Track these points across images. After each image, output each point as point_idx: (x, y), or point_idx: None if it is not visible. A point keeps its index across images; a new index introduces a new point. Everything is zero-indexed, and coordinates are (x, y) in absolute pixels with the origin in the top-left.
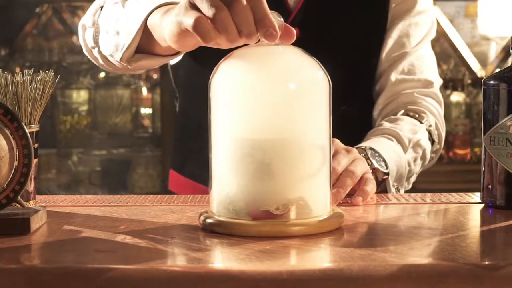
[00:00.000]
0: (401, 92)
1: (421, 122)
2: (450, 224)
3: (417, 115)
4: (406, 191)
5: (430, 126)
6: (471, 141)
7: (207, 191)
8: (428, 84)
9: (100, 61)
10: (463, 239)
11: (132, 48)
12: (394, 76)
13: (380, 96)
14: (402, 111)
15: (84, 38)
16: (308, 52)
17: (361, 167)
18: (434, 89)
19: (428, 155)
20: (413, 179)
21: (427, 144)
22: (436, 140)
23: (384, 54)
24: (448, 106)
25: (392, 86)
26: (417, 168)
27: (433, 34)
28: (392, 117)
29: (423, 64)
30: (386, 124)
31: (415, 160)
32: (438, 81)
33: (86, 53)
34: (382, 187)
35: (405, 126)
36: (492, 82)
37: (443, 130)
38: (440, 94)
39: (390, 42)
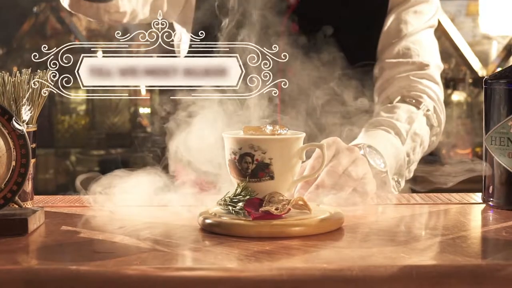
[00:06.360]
0: (396, 76)
1: (418, 108)
2: (451, 225)
3: (413, 101)
4: (406, 182)
5: (428, 110)
6: (472, 140)
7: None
8: (424, 66)
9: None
10: (464, 240)
11: None
12: (389, 60)
13: (377, 81)
14: (399, 98)
15: None
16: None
17: (362, 168)
18: (429, 71)
19: (427, 141)
20: (413, 167)
21: (425, 131)
22: (435, 124)
23: (381, 40)
24: (449, 105)
25: (388, 69)
26: (416, 156)
27: (433, 22)
28: (389, 105)
29: (420, 47)
30: (383, 114)
31: (414, 149)
32: (436, 64)
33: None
34: (382, 180)
35: (402, 114)
36: (493, 81)
37: (442, 113)
38: (438, 76)
39: (387, 28)
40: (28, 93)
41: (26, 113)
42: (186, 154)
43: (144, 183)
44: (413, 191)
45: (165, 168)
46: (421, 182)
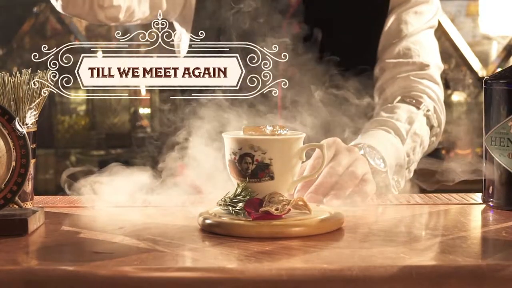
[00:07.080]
0: (397, 76)
1: (418, 108)
2: (451, 225)
3: (414, 101)
4: (411, 179)
5: (428, 111)
6: (472, 141)
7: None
8: (424, 66)
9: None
10: (464, 240)
11: None
12: (390, 60)
13: (377, 81)
14: (399, 98)
15: None
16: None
17: (361, 168)
18: (430, 71)
19: (427, 141)
20: (413, 167)
21: (425, 131)
22: (435, 124)
23: (382, 40)
24: (449, 106)
25: (388, 70)
26: (416, 156)
27: (433, 23)
28: (389, 105)
29: (420, 47)
30: (383, 114)
31: (414, 149)
32: (436, 64)
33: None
34: (382, 180)
35: (402, 114)
36: (493, 82)
37: (442, 113)
38: (438, 76)
39: (388, 28)
40: (39, 99)
41: (30, 117)
42: (185, 155)
43: (143, 183)
44: (421, 189)
45: (164, 168)
46: (427, 180)
